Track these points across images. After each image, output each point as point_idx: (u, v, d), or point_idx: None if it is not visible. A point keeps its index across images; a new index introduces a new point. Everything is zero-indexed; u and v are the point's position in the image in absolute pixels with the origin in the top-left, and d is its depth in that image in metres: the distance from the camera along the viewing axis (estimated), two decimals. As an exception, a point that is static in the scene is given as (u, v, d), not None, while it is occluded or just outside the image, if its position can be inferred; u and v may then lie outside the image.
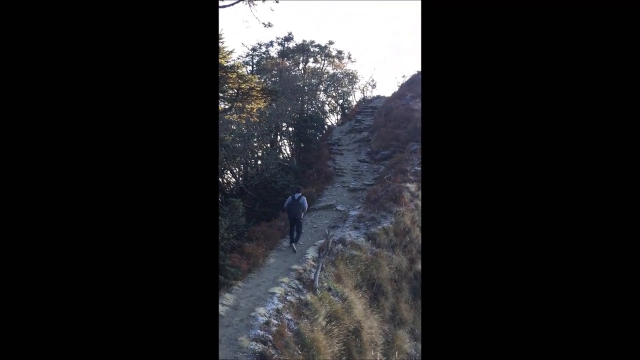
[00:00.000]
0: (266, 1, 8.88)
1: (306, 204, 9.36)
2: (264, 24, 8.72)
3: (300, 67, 23.85)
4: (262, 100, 8.78)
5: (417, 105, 17.28)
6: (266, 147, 16.49)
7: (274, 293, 6.90)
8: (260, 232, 9.54)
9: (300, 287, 7.42)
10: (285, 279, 7.47)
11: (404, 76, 24.85)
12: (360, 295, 8.66)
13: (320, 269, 7.98)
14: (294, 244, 9.14)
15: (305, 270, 8.03)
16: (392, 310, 9.69)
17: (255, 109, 9.04)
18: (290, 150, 18.97)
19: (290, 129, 18.45)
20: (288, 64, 23.04)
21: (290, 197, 9.37)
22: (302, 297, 7.10)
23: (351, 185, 13.96)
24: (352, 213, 11.36)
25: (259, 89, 8.57)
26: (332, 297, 7.56)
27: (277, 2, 8.75)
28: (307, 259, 8.57)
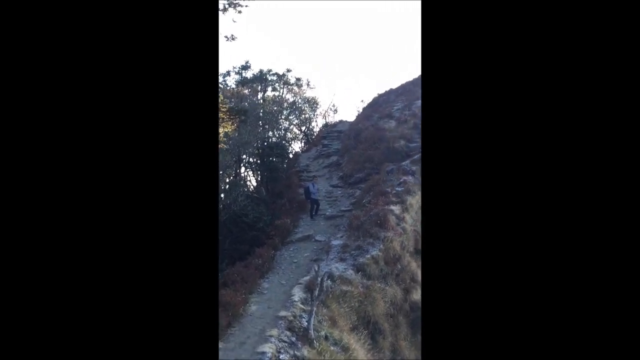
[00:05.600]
0: (226, 13, 7.92)
1: (316, 187, 13.21)
2: (226, 37, 7.68)
3: (259, 96, 23.11)
4: (230, 123, 7.65)
5: (387, 124, 16.69)
6: (231, 179, 15.23)
7: (263, 352, 5.57)
8: (236, 274, 8.22)
9: (293, 339, 6.13)
10: (274, 332, 6.15)
11: (362, 101, 25.03)
12: (359, 338, 7.51)
13: (313, 315, 6.75)
14: (312, 215, 12.71)
15: (295, 316, 6.76)
16: (392, 350, 8.59)
17: (221, 133, 7.89)
18: (255, 181, 17.82)
19: (251, 159, 17.44)
20: (247, 92, 22.23)
21: (308, 184, 13.02)
22: (297, 353, 5.81)
23: (327, 213, 12.89)
24: (335, 243, 10.26)
25: (224, 109, 7.44)
26: (331, 347, 6.32)
27: (239, 12, 7.78)
28: (295, 301, 7.31)
